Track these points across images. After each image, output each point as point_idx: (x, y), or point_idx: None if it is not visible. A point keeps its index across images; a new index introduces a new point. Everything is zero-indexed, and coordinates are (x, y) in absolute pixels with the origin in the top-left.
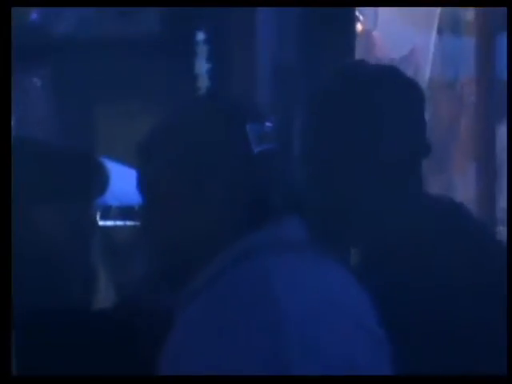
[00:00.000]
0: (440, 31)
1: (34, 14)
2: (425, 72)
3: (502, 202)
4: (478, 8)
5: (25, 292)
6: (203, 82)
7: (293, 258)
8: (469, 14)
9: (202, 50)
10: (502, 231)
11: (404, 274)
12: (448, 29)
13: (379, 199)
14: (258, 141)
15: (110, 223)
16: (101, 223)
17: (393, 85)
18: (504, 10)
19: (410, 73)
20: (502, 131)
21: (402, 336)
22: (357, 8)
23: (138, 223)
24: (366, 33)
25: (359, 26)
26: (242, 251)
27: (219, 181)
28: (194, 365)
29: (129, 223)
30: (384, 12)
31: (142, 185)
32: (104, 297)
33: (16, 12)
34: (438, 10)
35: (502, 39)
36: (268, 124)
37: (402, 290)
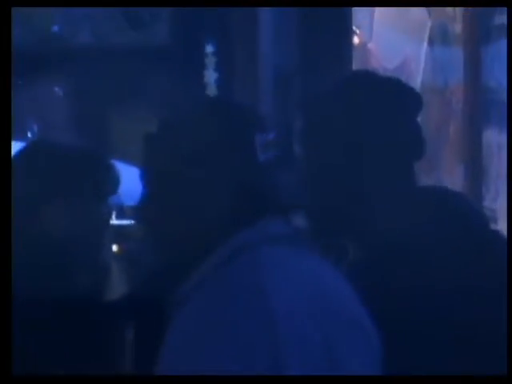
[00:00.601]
0: (430, 42)
1: (54, 26)
2: (416, 80)
3: (488, 201)
4: (466, 18)
5: (26, 290)
6: (211, 90)
7: (285, 252)
8: (457, 26)
9: (211, 61)
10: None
11: (401, 273)
12: (438, 40)
13: (376, 200)
14: (262, 149)
15: (124, 222)
16: (116, 222)
17: (389, 92)
18: (489, 20)
19: (402, 81)
20: (488, 134)
21: (402, 335)
22: (353, 23)
23: (139, 218)
24: (362, 45)
25: (356, 39)
26: (239, 246)
27: (221, 181)
28: (194, 359)
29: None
30: (378, 25)
31: (145, 178)
32: (106, 295)
33: (37, 24)
34: (429, 22)
35: (488, 49)
36: (271, 134)
37: (399, 289)
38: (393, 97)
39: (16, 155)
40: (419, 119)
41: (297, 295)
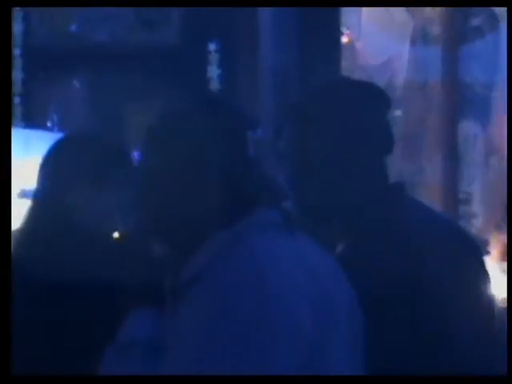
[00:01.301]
0: (413, 42)
1: (74, 26)
2: (400, 76)
3: (465, 186)
4: (445, 21)
5: (26, 287)
6: (215, 85)
7: (279, 239)
8: (436, 28)
9: (214, 58)
10: (465, 212)
11: (396, 269)
12: (419, 40)
13: (355, 191)
14: (253, 145)
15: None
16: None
17: (362, 94)
18: (466, 22)
19: (387, 77)
20: (464, 126)
21: (402, 335)
22: (343, 24)
23: (137, 206)
24: (351, 44)
25: (345, 38)
26: (234, 235)
27: (216, 175)
28: (202, 351)
29: None
30: (366, 26)
31: (145, 167)
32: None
33: (58, 24)
34: (412, 24)
35: (465, 49)
36: (260, 131)
37: (396, 288)
38: (365, 98)
39: (50, 148)
40: (402, 112)
41: (292, 280)
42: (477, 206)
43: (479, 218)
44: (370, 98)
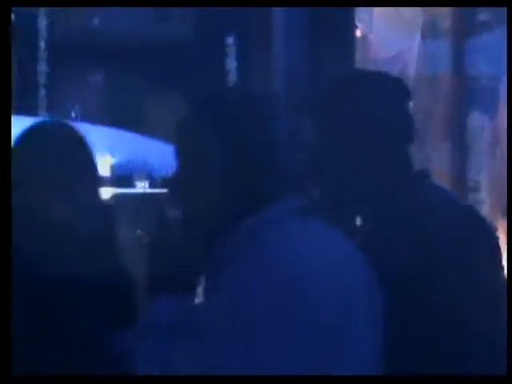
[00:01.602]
0: (423, 35)
1: (93, 22)
2: (411, 69)
3: (473, 175)
4: (454, 16)
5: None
6: (232, 76)
7: (293, 227)
8: (445, 22)
9: (232, 51)
10: (473, 199)
11: (415, 254)
12: (430, 33)
13: (376, 179)
14: (280, 135)
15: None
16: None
17: (382, 85)
18: (473, 17)
19: (398, 69)
20: (472, 116)
21: (402, 335)
22: (355, 18)
23: (169, 191)
24: (363, 37)
25: (358, 32)
26: (248, 229)
27: (243, 164)
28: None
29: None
30: (378, 19)
31: (178, 156)
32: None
33: (77, 21)
34: (422, 18)
35: (472, 43)
36: (288, 122)
37: (413, 273)
38: (385, 89)
39: (18, 139)
40: (412, 103)
41: (309, 270)
42: (484, 194)
43: (486, 205)
44: (390, 87)
